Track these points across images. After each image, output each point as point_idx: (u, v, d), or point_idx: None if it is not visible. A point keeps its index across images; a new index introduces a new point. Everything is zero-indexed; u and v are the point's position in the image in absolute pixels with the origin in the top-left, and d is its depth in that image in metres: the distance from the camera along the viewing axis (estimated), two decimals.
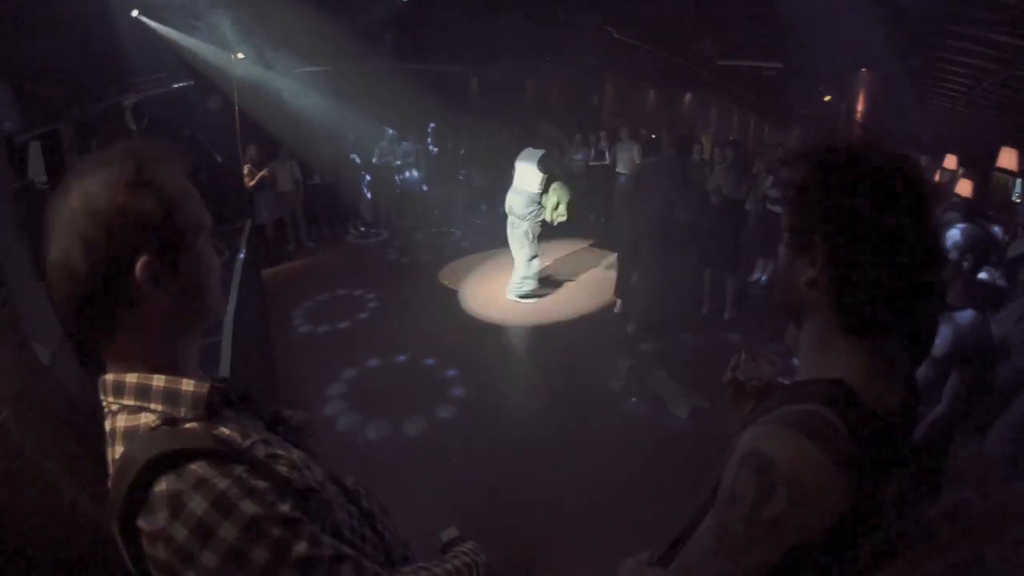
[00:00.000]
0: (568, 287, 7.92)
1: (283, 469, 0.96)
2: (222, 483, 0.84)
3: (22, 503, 0.93)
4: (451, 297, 7.67)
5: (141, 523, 0.83)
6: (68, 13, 4.85)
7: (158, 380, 0.93)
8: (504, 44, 12.96)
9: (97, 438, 1.06)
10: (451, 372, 5.53)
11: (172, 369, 0.95)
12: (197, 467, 0.85)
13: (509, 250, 7.36)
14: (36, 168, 4.21)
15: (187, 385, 0.94)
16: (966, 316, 2.68)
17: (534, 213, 6.98)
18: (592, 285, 7.98)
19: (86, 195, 0.88)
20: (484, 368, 5.64)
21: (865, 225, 0.94)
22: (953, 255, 2.60)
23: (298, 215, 9.73)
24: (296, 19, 8.70)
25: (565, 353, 6.03)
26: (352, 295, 7.55)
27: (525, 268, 7.27)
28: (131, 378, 0.92)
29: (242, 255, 6.23)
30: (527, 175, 6.92)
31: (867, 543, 0.95)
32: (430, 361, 5.71)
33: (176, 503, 0.82)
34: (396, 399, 5.00)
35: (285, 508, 0.88)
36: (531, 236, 7.06)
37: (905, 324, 0.98)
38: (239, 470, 0.87)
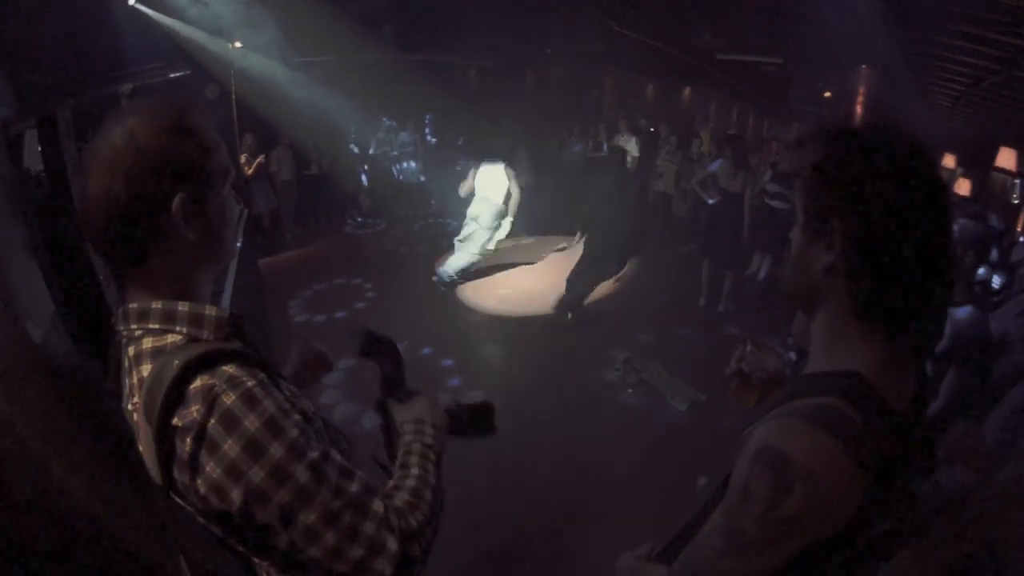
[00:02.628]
0: (564, 278, 7.89)
1: (286, 392, 1.05)
2: (250, 382, 0.94)
3: (10, 484, 0.92)
4: (448, 288, 7.63)
5: (176, 420, 0.91)
6: (64, 2, 4.80)
7: (183, 306, 1.02)
8: (503, 35, 12.89)
9: (90, 418, 1.05)
10: (447, 362, 5.52)
11: (191, 298, 1.04)
12: (228, 367, 0.95)
13: (505, 242, 7.35)
14: (32, 156, 4.19)
15: (209, 310, 1.04)
16: (964, 312, 2.68)
17: (498, 227, 7.18)
18: None
19: (132, 135, 0.97)
20: (480, 358, 5.65)
21: (887, 206, 0.89)
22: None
23: (290, 205, 9.72)
24: (294, 8, 8.65)
25: (560, 344, 6.03)
26: (349, 285, 7.53)
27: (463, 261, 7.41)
28: (156, 304, 1.01)
29: (238, 245, 6.19)
30: (492, 183, 7.10)
31: (877, 537, 0.92)
32: (427, 351, 5.70)
33: (209, 395, 0.91)
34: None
35: (297, 417, 0.98)
36: (482, 248, 7.28)
37: (921, 313, 0.94)
38: (261, 375, 0.98)
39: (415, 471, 1.17)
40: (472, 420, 1.50)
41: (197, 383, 0.92)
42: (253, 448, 0.90)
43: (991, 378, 2.82)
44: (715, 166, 6.76)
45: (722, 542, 0.94)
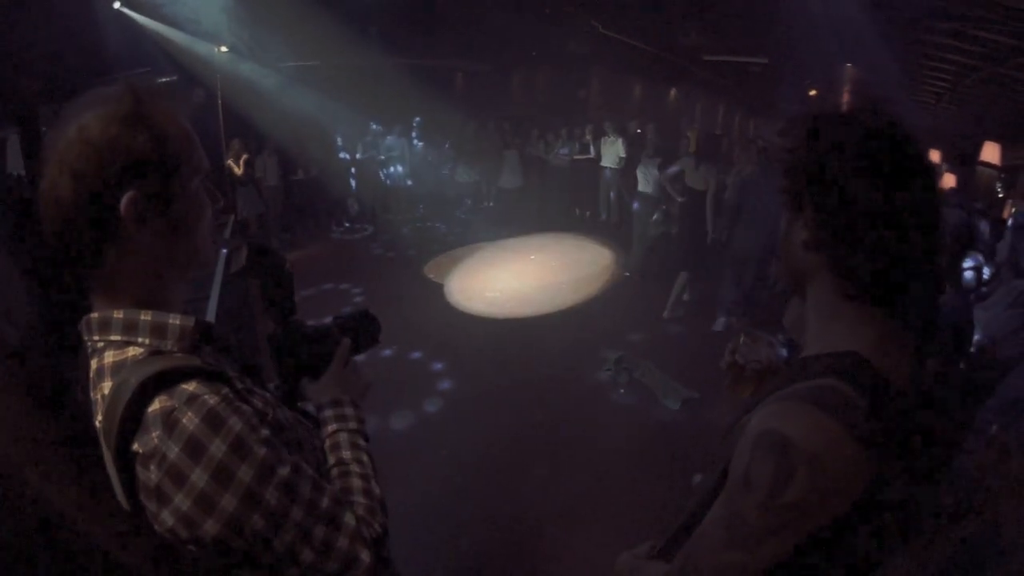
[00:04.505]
0: (553, 280, 7.89)
1: (258, 403, 0.98)
2: (212, 399, 0.87)
3: None
4: (437, 291, 7.62)
5: (136, 446, 0.85)
6: (49, 5, 4.76)
7: (145, 315, 0.93)
8: (490, 38, 12.90)
9: (67, 425, 1.01)
10: (438, 366, 5.49)
11: (158, 306, 0.96)
12: (187, 385, 0.87)
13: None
14: (14, 161, 4.17)
15: (174, 319, 0.95)
16: (946, 297, 2.69)
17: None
18: (577, 278, 7.96)
19: (81, 127, 0.88)
20: (470, 361, 5.60)
21: (847, 175, 0.91)
22: None
23: (276, 211, 9.67)
24: (281, 13, 8.62)
25: (551, 345, 6.01)
26: (338, 289, 7.49)
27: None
28: (118, 314, 0.93)
29: (225, 251, 6.14)
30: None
31: (883, 523, 0.90)
32: (416, 355, 5.67)
33: (169, 420, 0.84)
34: (383, 393, 4.94)
35: (265, 432, 0.92)
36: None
37: (905, 286, 0.94)
38: (225, 390, 0.90)
39: (355, 468, 1.13)
40: (361, 336, 1.43)
41: (155, 405, 0.85)
42: (222, 475, 0.84)
43: (971, 364, 2.84)
44: (682, 164, 6.70)
45: (724, 533, 0.91)
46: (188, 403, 0.85)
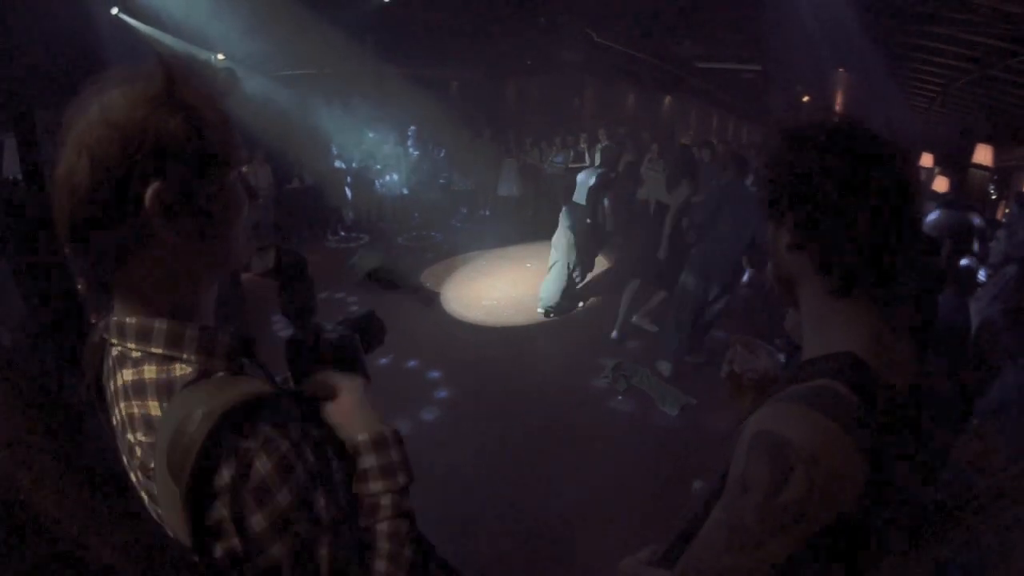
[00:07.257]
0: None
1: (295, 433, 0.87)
2: (284, 444, 0.79)
3: None
4: (433, 300, 7.59)
5: (216, 480, 0.76)
6: (46, 10, 4.77)
7: (192, 329, 0.84)
8: (485, 47, 12.95)
9: (61, 430, 1.00)
10: (434, 374, 5.47)
11: (189, 313, 0.87)
12: (264, 425, 0.79)
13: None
14: (11, 165, 4.17)
15: (222, 335, 0.86)
16: (945, 297, 2.70)
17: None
18: None
19: (105, 107, 0.78)
20: (467, 369, 5.59)
21: (819, 175, 0.93)
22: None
23: (269, 219, 9.62)
24: (278, 20, 8.64)
25: (547, 352, 6.01)
26: (333, 298, 7.45)
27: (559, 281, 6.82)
28: (160, 324, 0.83)
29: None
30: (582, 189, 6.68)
31: (881, 525, 0.90)
32: (412, 363, 5.65)
33: (245, 459, 0.76)
34: (379, 402, 4.91)
35: (322, 490, 0.83)
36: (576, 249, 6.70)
37: (888, 277, 0.95)
38: (295, 432, 0.82)
39: (382, 566, 0.92)
40: (368, 337, 1.35)
41: (232, 442, 0.76)
42: (281, 524, 0.77)
43: (969, 367, 2.84)
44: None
45: (724, 537, 0.91)
46: (264, 446, 0.77)
